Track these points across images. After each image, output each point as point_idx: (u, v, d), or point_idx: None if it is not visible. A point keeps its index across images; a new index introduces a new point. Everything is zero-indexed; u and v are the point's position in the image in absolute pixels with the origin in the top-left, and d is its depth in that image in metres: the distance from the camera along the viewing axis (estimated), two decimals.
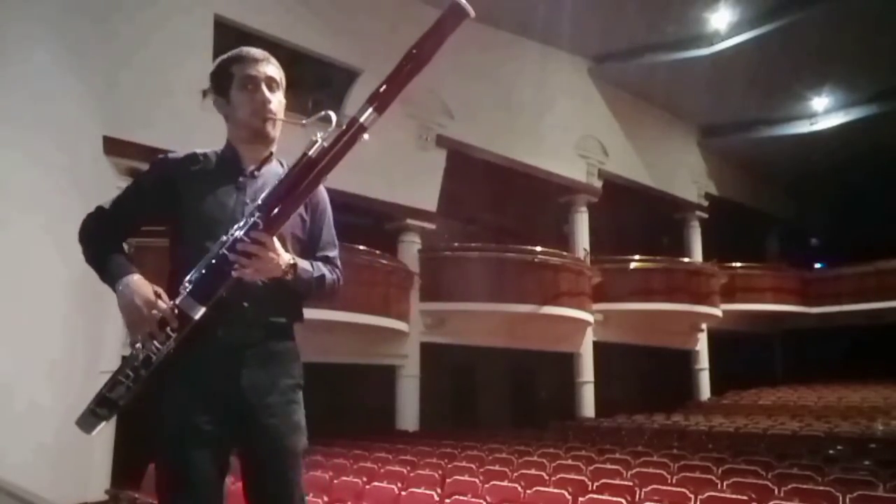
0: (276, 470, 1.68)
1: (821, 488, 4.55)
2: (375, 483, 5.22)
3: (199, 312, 1.54)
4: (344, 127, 1.58)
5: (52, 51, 7.05)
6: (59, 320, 6.84)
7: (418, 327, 9.90)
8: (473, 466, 5.81)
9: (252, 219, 1.55)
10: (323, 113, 1.61)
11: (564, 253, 11.52)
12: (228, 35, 8.54)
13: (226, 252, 1.53)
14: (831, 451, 6.52)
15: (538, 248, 10.70)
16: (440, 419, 10.23)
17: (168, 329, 1.53)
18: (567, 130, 12.50)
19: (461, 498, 4.49)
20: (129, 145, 7.45)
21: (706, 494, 4.38)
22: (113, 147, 7.38)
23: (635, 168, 13.74)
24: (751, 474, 5.13)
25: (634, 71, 12.85)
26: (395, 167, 9.40)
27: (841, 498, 4.30)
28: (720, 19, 11.46)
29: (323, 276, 1.74)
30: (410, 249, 10.09)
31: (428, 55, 1.58)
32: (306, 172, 1.58)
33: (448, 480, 5.30)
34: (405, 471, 5.68)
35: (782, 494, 4.50)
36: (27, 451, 6.24)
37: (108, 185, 7.41)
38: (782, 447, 6.82)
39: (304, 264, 1.68)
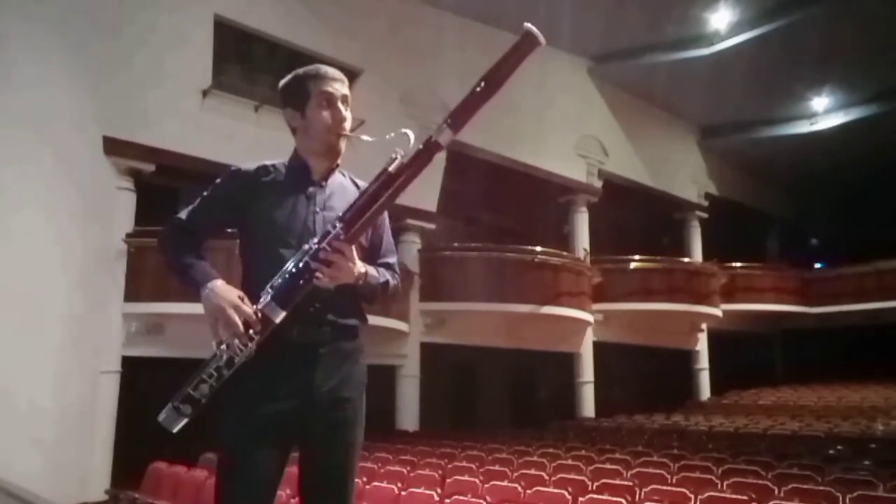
0: (338, 463, 1.76)
1: (821, 488, 4.55)
2: (375, 483, 5.22)
3: (280, 316, 1.63)
4: (422, 146, 1.66)
5: (52, 51, 7.05)
6: (59, 320, 6.84)
7: (418, 327, 9.89)
8: (473, 466, 5.81)
9: (334, 230, 1.64)
10: (401, 132, 1.67)
11: (564, 253, 11.51)
12: (228, 35, 8.56)
13: (308, 260, 1.63)
14: (831, 451, 6.52)
15: (538, 248, 10.69)
16: (440, 419, 10.23)
17: (251, 332, 1.61)
18: (567, 130, 12.50)
19: (461, 498, 4.49)
20: (129, 145, 7.46)
21: (706, 494, 4.39)
22: (113, 147, 7.39)
23: (635, 168, 13.74)
24: (751, 474, 5.13)
25: (634, 71, 12.84)
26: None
27: (841, 498, 4.30)
28: (720, 19, 11.46)
29: (387, 281, 1.84)
30: (410, 249, 10.09)
31: (501, 81, 1.65)
32: (386, 187, 1.66)
33: (448, 480, 5.30)
34: (405, 471, 5.69)
35: (782, 494, 4.51)
36: (27, 452, 6.24)
37: (108, 185, 7.43)
38: (782, 447, 6.81)
39: (372, 271, 1.78)
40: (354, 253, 1.68)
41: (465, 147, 10.70)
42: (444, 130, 1.64)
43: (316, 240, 1.65)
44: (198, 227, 1.81)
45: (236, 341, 1.60)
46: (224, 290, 1.65)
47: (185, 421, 1.61)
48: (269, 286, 1.64)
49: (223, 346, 1.61)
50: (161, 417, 1.61)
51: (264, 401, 1.68)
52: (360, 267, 1.71)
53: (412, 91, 9.82)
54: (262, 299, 1.63)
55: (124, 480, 6.54)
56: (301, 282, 1.63)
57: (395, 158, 1.66)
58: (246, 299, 1.64)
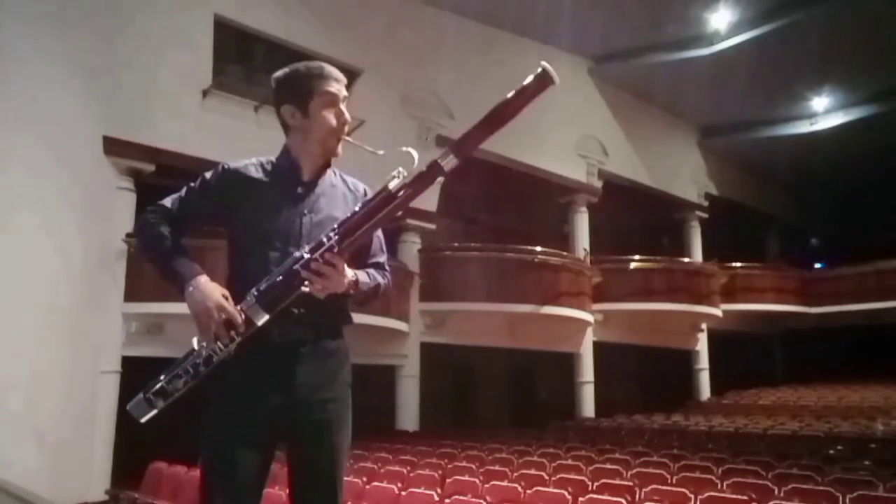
0: (325, 464, 1.74)
1: (821, 488, 4.55)
2: (375, 483, 5.22)
3: (263, 319, 1.63)
4: (425, 168, 1.66)
5: (51, 51, 7.05)
6: (59, 320, 6.84)
7: (418, 327, 9.89)
8: (473, 466, 5.81)
9: (328, 242, 1.62)
10: (406, 151, 1.68)
11: (564, 253, 11.50)
12: (228, 35, 8.55)
13: (299, 269, 1.61)
14: (831, 451, 6.52)
15: (538, 248, 10.68)
16: (440, 419, 10.22)
17: (232, 332, 1.61)
18: (567, 130, 12.49)
19: (461, 498, 4.49)
20: (129, 145, 7.46)
21: (706, 494, 4.39)
22: (113, 147, 7.39)
23: (635, 168, 13.73)
24: (751, 474, 5.13)
25: (634, 71, 12.84)
26: (395, 167, 9.38)
27: (841, 498, 4.30)
28: (720, 19, 11.45)
29: (378, 284, 1.84)
30: (410, 249, 10.08)
31: (509, 116, 1.65)
32: (385, 205, 1.66)
33: (448, 480, 5.30)
34: (405, 471, 5.69)
35: (782, 494, 4.50)
36: (27, 451, 6.24)
37: (108, 185, 7.43)
38: (782, 447, 6.81)
39: (364, 277, 1.77)
40: (345, 264, 1.67)
41: None
42: (449, 156, 1.65)
43: (308, 248, 1.63)
44: (183, 218, 1.77)
45: (217, 341, 1.60)
46: (209, 288, 1.64)
47: (153, 412, 1.61)
48: (254, 289, 1.62)
49: (203, 344, 1.61)
50: (130, 406, 1.61)
51: (246, 401, 1.68)
52: (351, 276, 1.69)
53: (412, 91, 9.82)
54: (246, 300, 1.62)
55: (124, 480, 6.54)
56: (289, 289, 1.62)
57: (396, 176, 1.65)
58: (230, 298, 1.63)
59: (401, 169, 1.66)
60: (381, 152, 1.80)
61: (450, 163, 1.65)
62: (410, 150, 1.67)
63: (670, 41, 11.99)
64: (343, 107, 1.81)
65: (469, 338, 10.36)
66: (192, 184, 1.82)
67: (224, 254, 1.81)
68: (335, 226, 1.66)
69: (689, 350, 14.08)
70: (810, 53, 11.95)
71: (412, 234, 10.13)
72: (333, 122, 1.78)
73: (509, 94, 1.64)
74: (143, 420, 1.61)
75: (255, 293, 1.62)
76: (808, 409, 11.15)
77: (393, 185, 1.65)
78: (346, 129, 1.82)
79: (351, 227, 1.64)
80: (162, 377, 1.60)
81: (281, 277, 1.62)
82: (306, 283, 1.62)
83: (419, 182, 1.66)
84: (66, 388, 6.81)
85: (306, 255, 1.62)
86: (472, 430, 8.96)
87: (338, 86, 1.80)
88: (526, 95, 1.64)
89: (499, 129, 1.66)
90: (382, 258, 1.93)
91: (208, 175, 1.82)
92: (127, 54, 7.48)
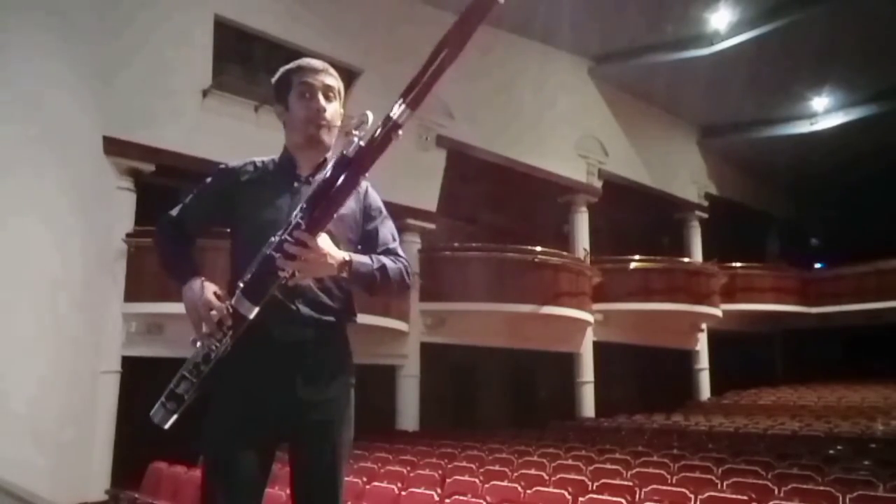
0: (327, 465, 1.74)
1: (821, 488, 4.55)
2: (375, 483, 5.22)
3: (253, 312, 1.60)
4: (379, 126, 1.61)
5: (52, 51, 7.05)
6: (59, 320, 6.84)
7: (418, 327, 9.89)
8: (473, 466, 5.81)
9: (294, 220, 1.59)
10: (362, 113, 1.63)
11: (564, 253, 11.51)
12: (228, 35, 8.56)
13: (272, 253, 1.58)
14: (831, 451, 6.51)
15: (538, 248, 10.68)
16: (440, 419, 10.23)
17: (224, 328, 1.60)
18: (567, 130, 12.50)
19: (461, 498, 4.49)
20: (129, 145, 7.46)
21: (706, 494, 4.39)
22: (113, 147, 7.39)
23: (635, 168, 13.74)
24: (751, 474, 5.13)
25: (634, 71, 12.84)
26: (395, 167, 9.37)
27: (841, 498, 4.30)
28: (720, 19, 11.46)
29: (384, 265, 1.74)
30: (410, 249, 10.06)
31: (457, 48, 1.54)
32: (343, 170, 1.61)
33: (448, 480, 5.30)
34: (405, 471, 5.69)
35: (782, 494, 4.51)
36: (27, 451, 6.24)
37: (108, 185, 7.43)
38: (782, 447, 6.81)
39: (360, 258, 1.71)
40: (328, 243, 1.60)
41: (466, 147, 10.71)
42: (401, 108, 1.58)
43: (280, 232, 1.59)
44: (187, 224, 1.82)
45: (211, 338, 1.60)
46: (199, 287, 1.65)
47: (174, 417, 1.61)
48: (240, 281, 1.61)
49: (199, 344, 1.61)
50: (152, 414, 1.62)
51: (248, 401, 1.68)
52: (341, 257, 1.63)
53: None
54: (236, 294, 1.61)
55: (124, 480, 6.54)
56: (268, 275, 1.58)
57: (354, 141, 1.60)
58: (222, 296, 1.64)
59: (356, 132, 1.61)
60: (339, 124, 1.80)
61: (403, 115, 1.57)
62: (367, 112, 1.62)
63: (670, 41, 11.99)
64: (321, 95, 1.77)
65: (469, 338, 10.36)
66: (196, 190, 1.85)
67: (225, 254, 1.81)
68: (303, 205, 1.60)
69: (688, 350, 14.09)
70: (810, 53, 11.95)
71: (412, 233, 10.13)
72: (305, 110, 1.77)
73: (454, 24, 1.53)
74: (166, 426, 1.62)
75: (241, 285, 1.60)
76: (808, 409, 11.15)
77: (350, 150, 1.60)
78: (329, 117, 1.78)
79: (316, 198, 1.59)
80: (172, 382, 1.61)
81: (258, 265, 1.59)
82: (281, 266, 1.56)
83: (375, 141, 1.59)
84: (66, 388, 6.81)
85: (278, 238, 1.58)
86: (472, 430, 8.96)
87: (314, 76, 1.79)
88: (468, 23, 1.53)
89: (447, 67, 1.54)
90: (393, 245, 1.85)
91: (209, 179, 1.85)
92: (127, 54, 7.48)
